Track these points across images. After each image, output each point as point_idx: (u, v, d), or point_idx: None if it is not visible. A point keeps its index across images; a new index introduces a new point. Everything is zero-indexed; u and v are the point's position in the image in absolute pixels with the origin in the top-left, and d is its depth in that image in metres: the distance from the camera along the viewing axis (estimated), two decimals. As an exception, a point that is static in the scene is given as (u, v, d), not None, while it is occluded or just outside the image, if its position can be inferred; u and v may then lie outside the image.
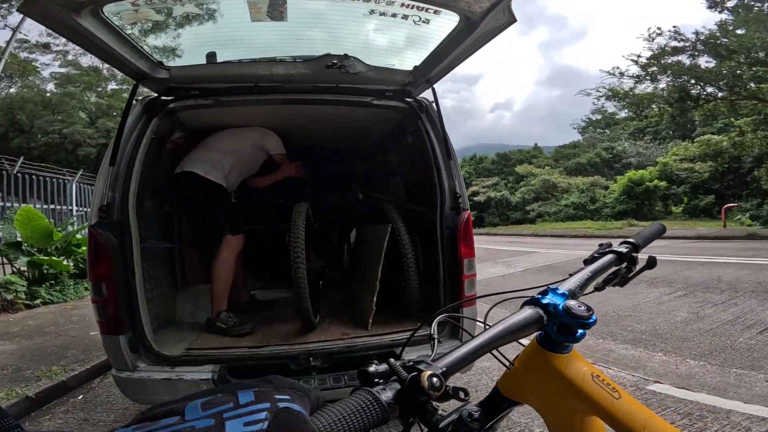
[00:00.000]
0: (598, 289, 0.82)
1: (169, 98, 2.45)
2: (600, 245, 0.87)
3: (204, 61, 2.43)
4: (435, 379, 0.49)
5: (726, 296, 5.20)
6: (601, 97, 16.91)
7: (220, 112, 2.74)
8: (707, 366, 3.23)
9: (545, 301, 0.64)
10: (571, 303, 0.62)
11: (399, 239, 2.71)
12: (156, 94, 2.45)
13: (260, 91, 2.52)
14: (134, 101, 2.39)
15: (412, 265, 2.68)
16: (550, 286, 0.69)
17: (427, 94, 2.70)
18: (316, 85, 2.54)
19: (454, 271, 2.40)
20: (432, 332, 0.75)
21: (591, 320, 0.61)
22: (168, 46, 2.37)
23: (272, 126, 3.18)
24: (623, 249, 0.85)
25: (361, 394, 0.46)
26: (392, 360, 0.51)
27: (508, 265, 9.42)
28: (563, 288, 0.69)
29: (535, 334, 0.65)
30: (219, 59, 2.45)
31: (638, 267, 0.87)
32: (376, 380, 0.49)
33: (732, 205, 16.07)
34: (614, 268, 0.83)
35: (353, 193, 3.65)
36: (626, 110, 17.94)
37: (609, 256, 0.83)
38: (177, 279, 3.09)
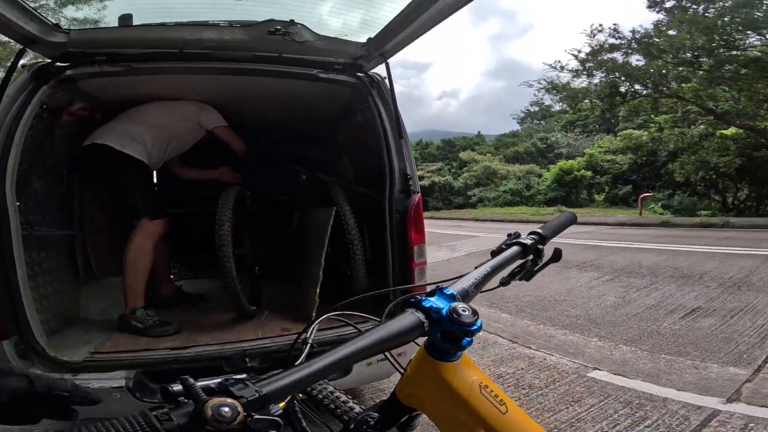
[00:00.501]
0: (503, 284, 0.79)
1: (65, 64, 2.04)
2: (508, 235, 0.83)
3: (116, 24, 2.04)
4: (225, 409, 0.39)
5: (647, 281, 5.58)
6: (542, 89, 17.62)
7: (138, 81, 2.36)
8: (638, 352, 3.39)
9: (427, 304, 0.56)
10: (457, 306, 0.55)
11: (345, 224, 2.51)
12: (49, 60, 2.04)
13: (186, 57, 2.16)
14: (21, 68, 1.98)
15: (358, 252, 2.50)
16: (440, 285, 0.62)
17: (379, 70, 2.49)
18: (256, 54, 2.23)
19: (403, 258, 2.25)
20: (308, 335, 0.71)
21: (474, 327, 0.55)
22: (68, 6, 1.98)
23: (204, 100, 2.80)
24: (528, 241, 0.81)
25: (136, 417, 0.39)
26: (192, 380, 0.42)
27: (452, 249, 9.58)
28: (456, 287, 0.63)
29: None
30: (135, 22, 2.07)
31: (544, 260, 0.83)
32: (180, 399, 0.41)
33: (647, 195, 17.50)
34: (520, 261, 0.80)
35: (296, 173, 3.37)
36: (561, 103, 18.88)
37: (513, 249, 0.78)
38: (80, 271, 2.67)
